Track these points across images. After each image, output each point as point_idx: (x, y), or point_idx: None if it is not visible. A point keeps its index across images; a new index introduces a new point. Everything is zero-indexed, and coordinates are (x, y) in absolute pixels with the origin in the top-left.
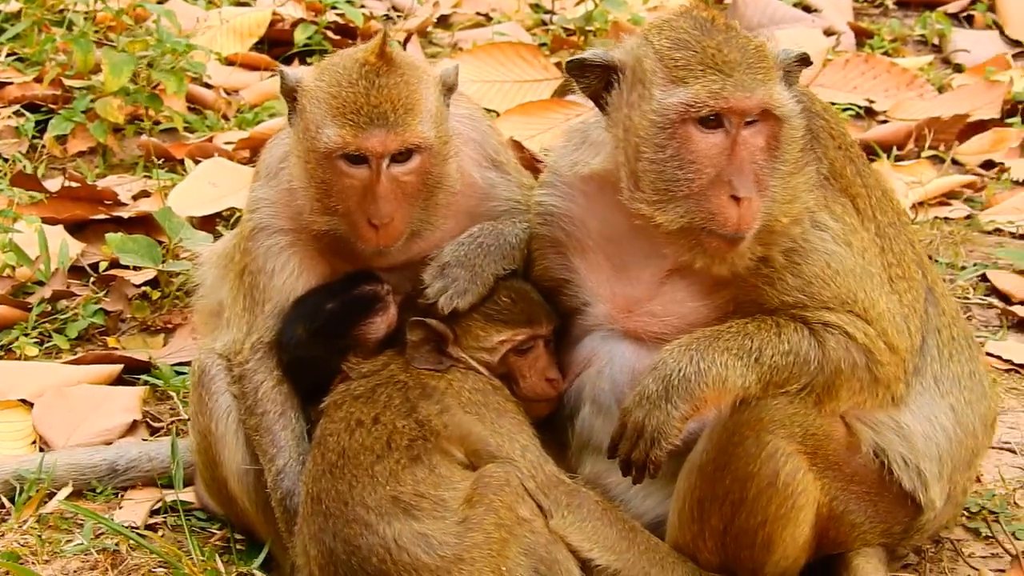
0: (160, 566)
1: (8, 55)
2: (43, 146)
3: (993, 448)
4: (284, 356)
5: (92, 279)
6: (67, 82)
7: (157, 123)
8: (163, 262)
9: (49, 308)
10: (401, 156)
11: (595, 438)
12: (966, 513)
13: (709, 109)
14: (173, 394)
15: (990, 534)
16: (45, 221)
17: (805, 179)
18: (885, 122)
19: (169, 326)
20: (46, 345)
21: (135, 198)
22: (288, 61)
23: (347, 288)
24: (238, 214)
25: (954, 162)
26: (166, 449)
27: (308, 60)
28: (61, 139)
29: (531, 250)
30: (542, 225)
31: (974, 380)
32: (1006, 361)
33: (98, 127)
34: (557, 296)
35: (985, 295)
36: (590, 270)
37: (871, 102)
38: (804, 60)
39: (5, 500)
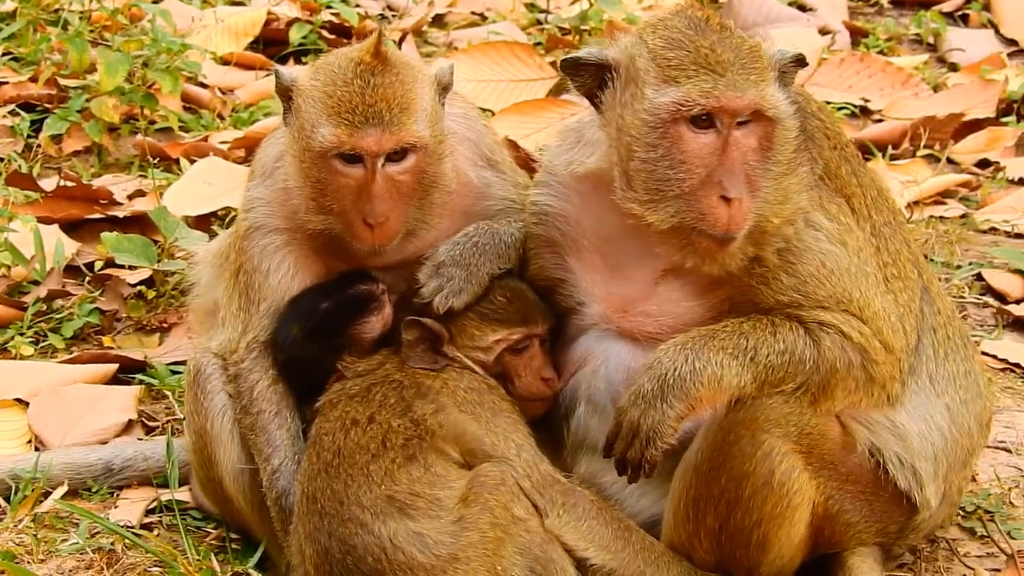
0: (156, 565)
1: (3, 54)
2: (38, 145)
3: (989, 447)
4: (279, 355)
5: (87, 278)
6: (62, 81)
7: (152, 122)
8: (158, 261)
9: (44, 307)
10: (396, 155)
11: (590, 437)
12: (962, 512)
13: (700, 108)
14: (168, 393)
15: (986, 533)
16: (40, 220)
17: (798, 180)
18: (880, 121)
19: (164, 325)
20: (41, 344)
21: (130, 197)
22: (283, 60)
23: (342, 287)
24: (233, 213)
25: (949, 161)
26: (161, 448)
27: (303, 59)
28: (56, 138)
29: (526, 249)
30: (537, 224)
31: (969, 379)
32: (1001, 360)
33: (93, 126)
34: (552, 295)
35: (980, 294)
36: (585, 270)
37: (866, 101)
38: (800, 61)
39: (0, 499)
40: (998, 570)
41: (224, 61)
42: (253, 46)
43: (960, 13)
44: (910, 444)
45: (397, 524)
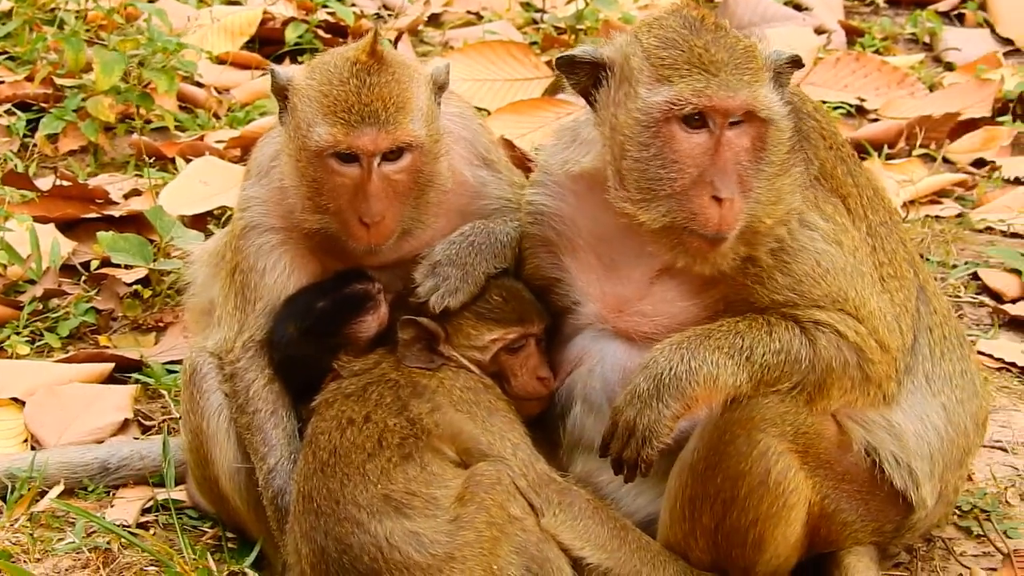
0: (152, 564)
1: None
2: (34, 145)
3: (985, 447)
4: (275, 354)
5: (83, 278)
6: (58, 81)
7: (148, 122)
8: (154, 261)
9: (40, 307)
10: (392, 154)
11: (586, 436)
12: (958, 512)
13: (692, 108)
14: (164, 392)
15: (982, 533)
16: (36, 220)
17: (791, 180)
18: (876, 120)
19: (160, 324)
20: (37, 344)
21: (126, 197)
22: (279, 60)
23: (338, 286)
24: (229, 212)
25: (945, 160)
26: (157, 448)
27: (299, 59)
28: (52, 138)
29: (522, 249)
30: (533, 224)
31: (965, 379)
32: (997, 359)
33: (89, 126)
34: (548, 295)
35: (976, 293)
36: (580, 269)
37: (862, 100)
38: (796, 62)
39: None
40: (994, 569)
41: (220, 60)
42: (249, 45)
43: (956, 12)
44: (906, 443)
45: (393, 523)
